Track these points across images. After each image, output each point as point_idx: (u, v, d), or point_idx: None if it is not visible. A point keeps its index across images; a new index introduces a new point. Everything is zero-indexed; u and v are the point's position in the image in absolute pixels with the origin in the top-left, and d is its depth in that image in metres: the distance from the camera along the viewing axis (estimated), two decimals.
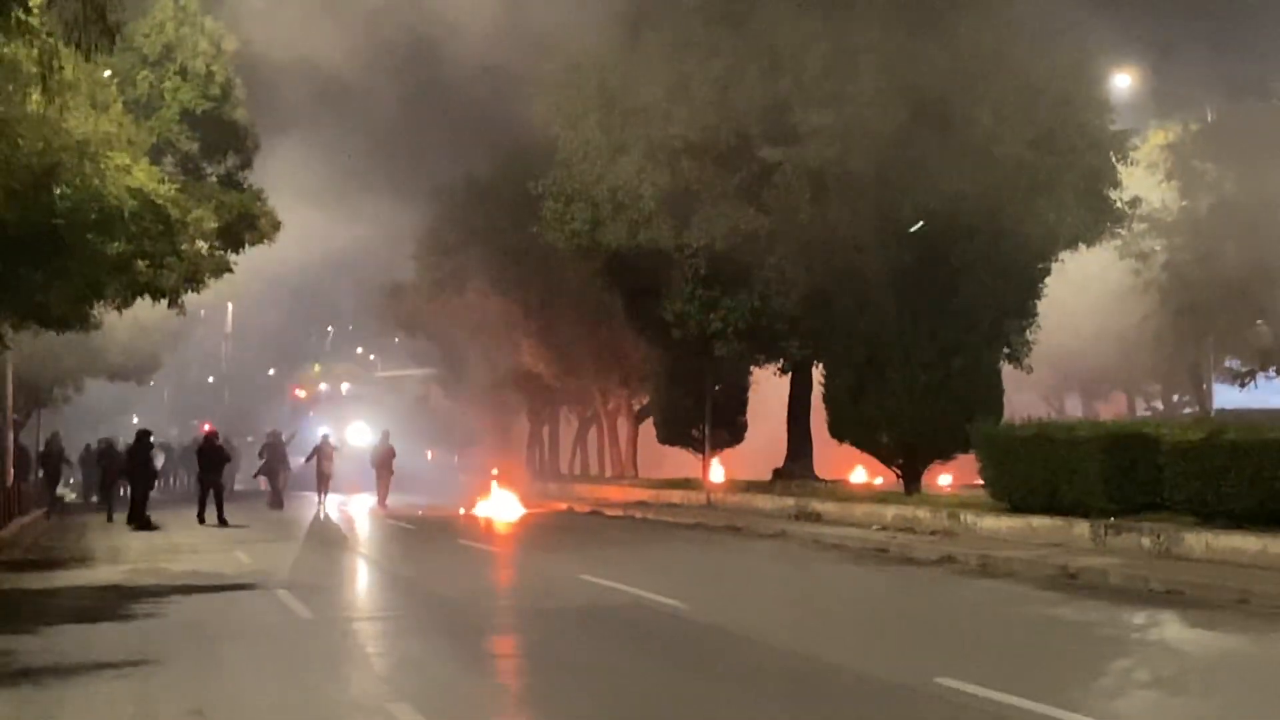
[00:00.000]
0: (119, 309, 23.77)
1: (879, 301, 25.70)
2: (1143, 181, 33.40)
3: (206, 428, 44.46)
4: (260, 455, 40.14)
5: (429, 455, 64.16)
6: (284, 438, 42.12)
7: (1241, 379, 41.32)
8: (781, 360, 31.57)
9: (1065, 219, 25.77)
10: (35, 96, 15.13)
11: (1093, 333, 38.25)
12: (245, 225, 27.33)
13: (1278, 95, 38.02)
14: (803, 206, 26.62)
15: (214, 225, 24.05)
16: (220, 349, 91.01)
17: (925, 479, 27.44)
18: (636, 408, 44.15)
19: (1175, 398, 46.48)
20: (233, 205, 26.71)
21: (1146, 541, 18.05)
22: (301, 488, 40.78)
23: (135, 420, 71.87)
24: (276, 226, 28.22)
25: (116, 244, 18.96)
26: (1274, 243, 33.83)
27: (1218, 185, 36.95)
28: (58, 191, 17.55)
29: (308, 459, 40.20)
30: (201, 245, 24.86)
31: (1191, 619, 13.65)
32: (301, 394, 76.32)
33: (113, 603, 16.53)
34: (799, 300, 27.71)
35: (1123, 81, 35.85)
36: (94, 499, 41.97)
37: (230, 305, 73.98)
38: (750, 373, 35.50)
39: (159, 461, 38.22)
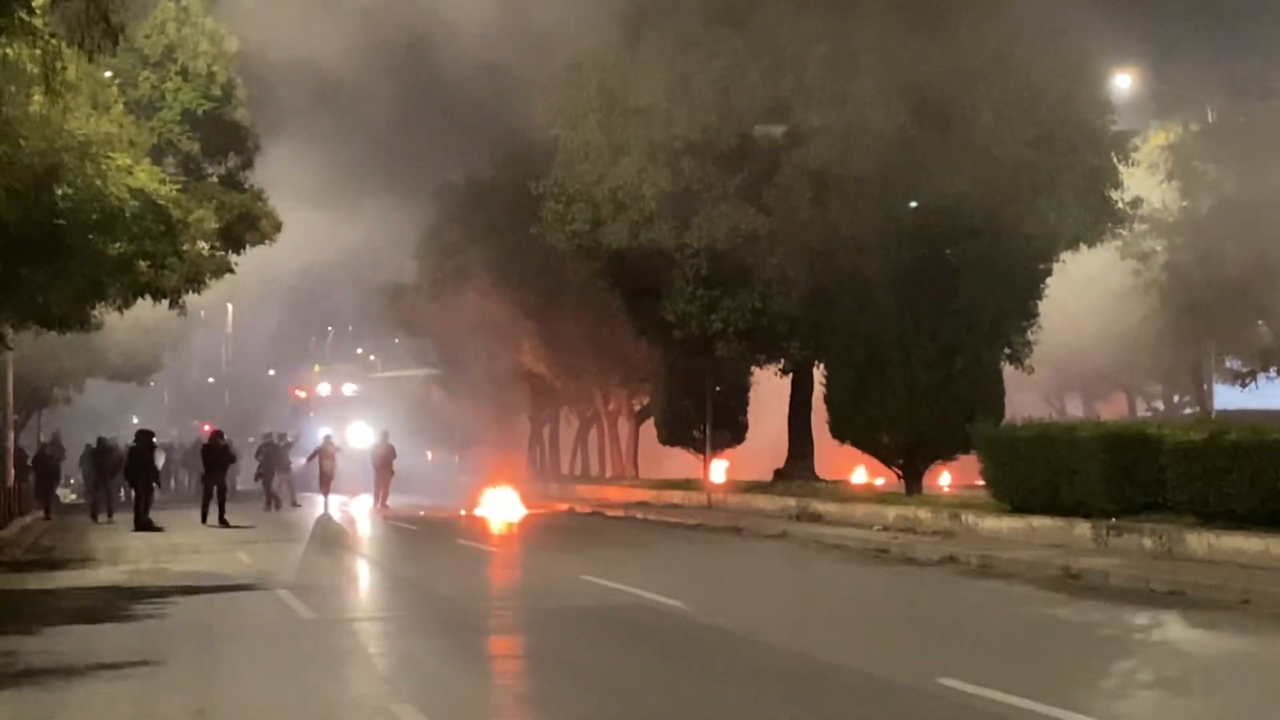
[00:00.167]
0: (120, 309, 23.77)
1: (880, 302, 25.70)
2: (1143, 182, 33.38)
3: (206, 428, 44.48)
4: (256, 456, 40.13)
5: (429, 456, 64.13)
6: (288, 439, 42.17)
7: (1242, 379, 41.31)
8: (782, 360, 31.56)
9: (1066, 219, 25.78)
10: (38, 97, 15.15)
11: (1093, 333, 38.23)
12: (246, 226, 27.36)
13: (1278, 95, 38.00)
14: (803, 207, 26.62)
15: (215, 226, 24.08)
16: (220, 350, 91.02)
17: (925, 479, 27.43)
18: (637, 408, 44.16)
19: (1176, 398, 46.49)
20: (234, 206, 26.74)
21: (1148, 542, 18.04)
22: (302, 488, 40.78)
23: (135, 421, 71.82)
24: (277, 227, 28.25)
25: (118, 244, 18.99)
26: (1275, 243, 33.82)
27: (1218, 185, 36.95)
28: (59, 192, 17.58)
29: (309, 459, 40.25)
30: (202, 246, 24.90)
31: (1193, 620, 13.65)
32: (302, 394, 76.25)
33: (114, 603, 16.53)
34: (800, 300, 27.70)
35: (1123, 81, 35.81)
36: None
37: (230, 306, 73.97)
38: (751, 373, 35.49)
39: (160, 462, 38.08)
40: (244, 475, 45.39)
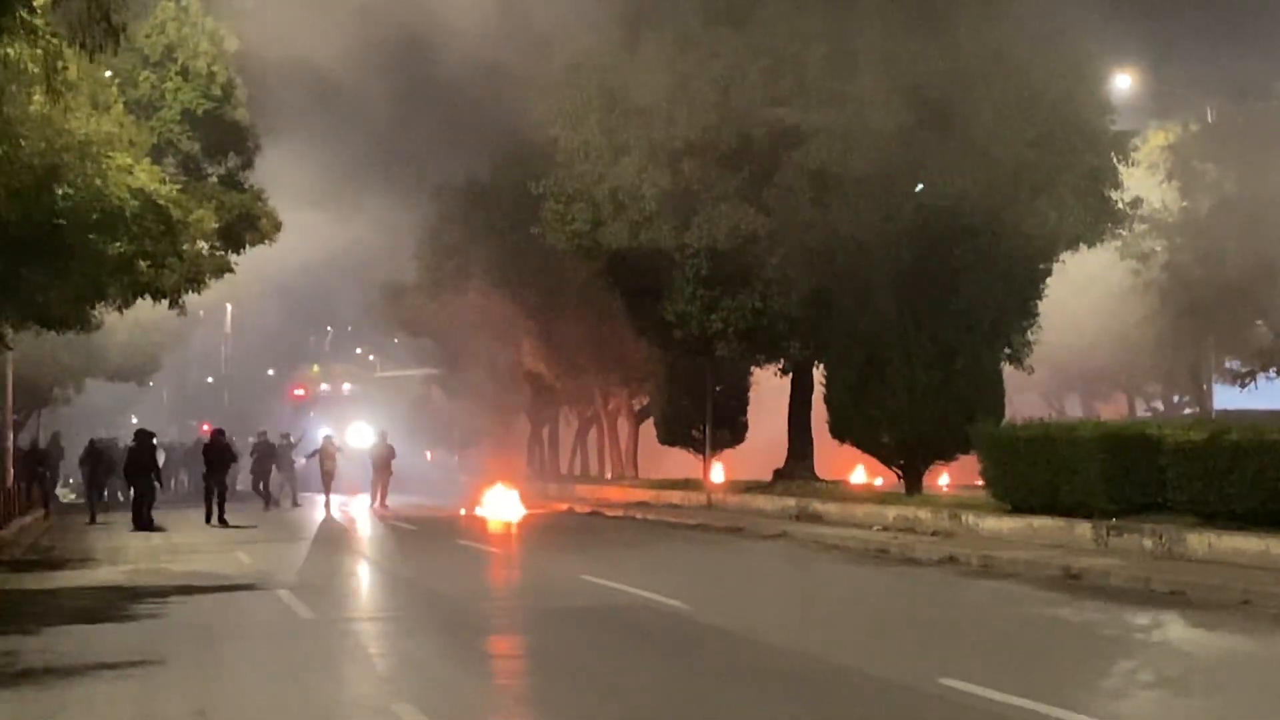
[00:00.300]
0: (120, 309, 23.78)
1: (880, 302, 25.69)
2: (1143, 182, 33.39)
3: (206, 428, 44.41)
4: (251, 455, 40.15)
5: (429, 455, 64.14)
6: (291, 439, 42.23)
7: (1242, 379, 41.31)
8: (782, 361, 31.56)
9: (1066, 219, 25.77)
10: (38, 97, 15.14)
11: (1093, 333, 38.28)
12: (246, 225, 27.37)
13: (1278, 95, 38.01)
14: (803, 207, 26.63)
15: (215, 225, 24.06)
16: (220, 349, 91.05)
17: (924, 479, 27.42)
18: (637, 408, 44.16)
19: (1175, 398, 46.49)
20: (233, 205, 26.75)
21: (1148, 542, 18.04)
22: (303, 488, 40.83)
23: (134, 421, 71.85)
24: (277, 227, 28.26)
25: (118, 244, 18.97)
26: (1274, 243, 33.81)
27: (1218, 186, 36.96)
28: (60, 192, 17.57)
29: (309, 456, 40.34)
30: (202, 246, 24.89)
31: (1194, 620, 13.65)
32: (301, 394, 76.29)
33: (113, 603, 16.52)
34: (800, 301, 27.70)
35: (1123, 82, 35.85)
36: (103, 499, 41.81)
37: (230, 306, 74.03)
38: (751, 373, 35.50)
39: (160, 461, 38.00)
40: (244, 475, 45.39)
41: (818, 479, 31.13)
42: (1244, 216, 34.94)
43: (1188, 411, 42.56)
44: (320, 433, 43.56)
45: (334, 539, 27.52)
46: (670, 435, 36.83)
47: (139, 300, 23.20)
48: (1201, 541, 17.22)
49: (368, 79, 41.57)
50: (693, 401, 34.50)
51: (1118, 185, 26.87)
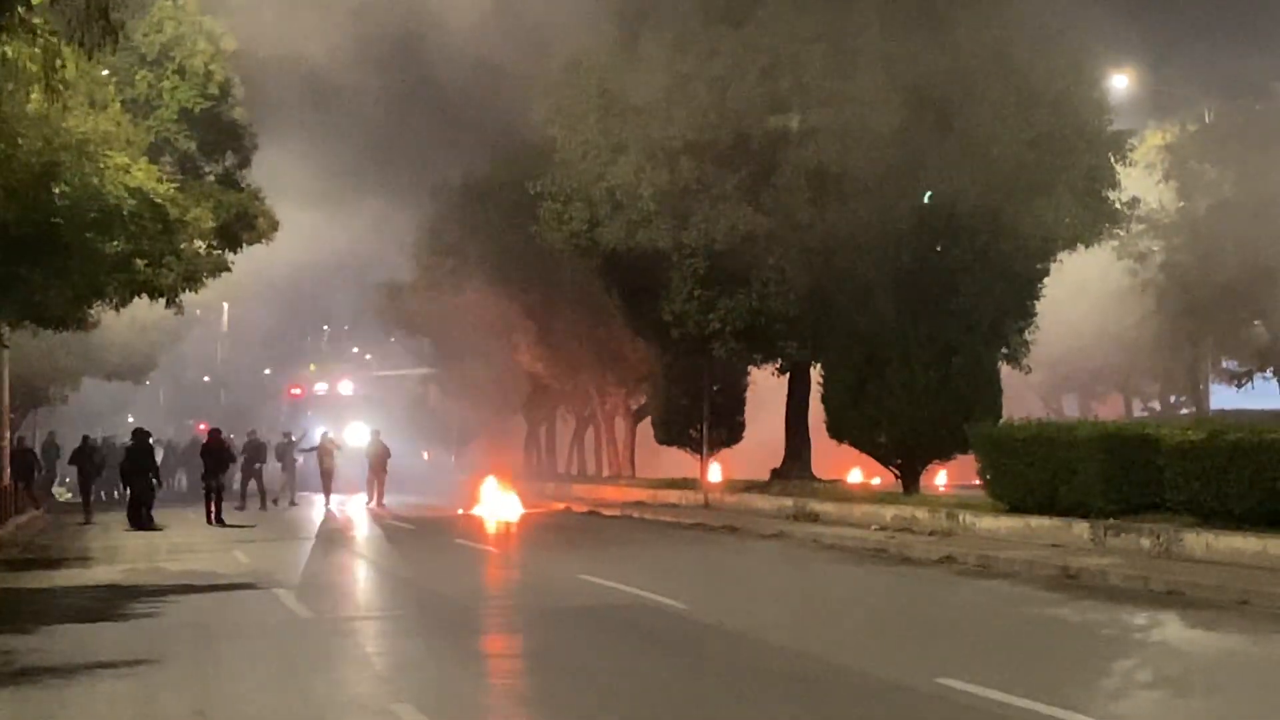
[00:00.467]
0: (117, 308, 23.77)
1: (878, 302, 25.69)
2: (1141, 182, 33.40)
3: (202, 427, 44.31)
4: (241, 454, 40.11)
5: (426, 455, 64.11)
6: (292, 438, 42.27)
7: (1239, 380, 41.40)
8: (780, 360, 31.54)
9: (1064, 219, 25.80)
10: (36, 95, 15.11)
11: (1090, 333, 38.29)
12: (243, 225, 27.32)
13: (1275, 95, 38.06)
14: (801, 206, 26.61)
15: (212, 224, 24.02)
16: (216, 349, 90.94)
17: (921, 479, 27.42)
18: (634, 407, 44.12)
19: (1172, 399, 46.54)
20: (231, 204, 26.69)
21: (1146, 542, 18.04)
22: (301, 487, 40.83)
23: (131, 420, 71.80)
24: (274, 226, 28.22)
25: (115, 243, 18.97)
26: (1272, 244, 33.86)
27: (1216, 186, 37.02)
28: (57, 190, 17.57)
29: (306, 451, 40.38)
30: (199, 244, 24.86)
31: (1192, 619, 13.65)
32: (298, 393, 76.21)
33: (111, 602, 16.52)
34: (797, 300, 27.68)
35: (1120, 82, 35.87)
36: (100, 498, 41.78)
37: (226, 305, 73.91)
38: (748, 373, 35.45)
39: (159, 458, 37.92)
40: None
41: (815, 479, 31.10)
42: (1241, 217, 34.99)
43: (1185, 412, 42.59)
44: (317, 431, 43.55)
45: (332, 538, 27.50)
46: (667, 435, 36.79)
47: (136, 299, 23.20)
48: (1199, 541, 17.21)
49: (365, 78, 41.50)
50: (690, 401, 34.48)
51: (1115, 185, 26.89)
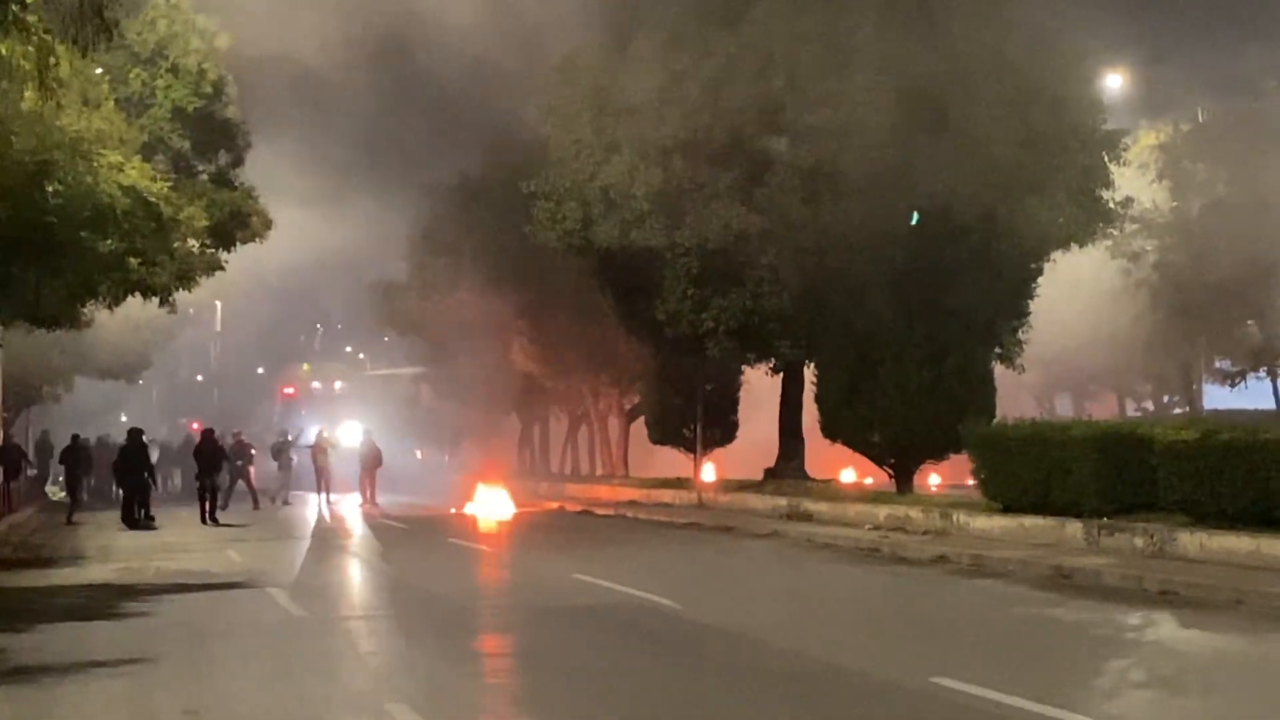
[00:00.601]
0: (110, 307, 23.73)
1: (872, 301, 25.68)
2: (1134, 182, 33.42)
3: (195, 426, 44.26)
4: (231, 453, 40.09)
5: (419, 454, 64.08)
6: (289, 438, 42.26)
7: (1232, 379, 41.46)
8: (773, 360, 31.52)
9: (1058, 219, 25.78)
10: (29, 94, 15.07)
11: (1084, 333, 38.31)
12: (237, 223, 27.28)
13: (1268, 95, 38.12)
14: (795, 206, 26.60)
15: (205, 223, 23.99)
16: (210, 348, 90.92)
17: (915, 479, 27.43)
18: (627, 407, 44.09)
19: (1166, 398, 46.59)
20: (224, 203, 26.66)
21: (1140, 542, 18.05)
22: (296, 486, 40.80)
23: (124, 419, 71.70)
24: (268, 225, 28.19)
25: (109, 242, 18.93)
26: (1265, 243, 33.92)
27: (1209, 186, 37.08)
28: (50, 189, 17.52)
29: (303, 448, 40.39)
30: (193, 243, 24.82)
31: (1186, 619, 13.67)
32: (291, 393, 76.24)
33: (105, 601, 16.51)
34: (791, 300, 27.67)
35: (1114, 81, 35.90)
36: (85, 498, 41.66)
37: (220, 304, 73.85)
38: (742, 372, 35.44)
39: (153, 457, 37.80)
40: None
41: (809, 478, 31.11)
42: (1235, 216, 35.06)
43: (1178, 411, 42.67)
44: (311, 430, 43.56)
45: (325, 537, 27.49)
46: (661, 434, 36.80)
47: (129, 298, 23.16)
48: (1193, 541, 17.23)
49: (359, 77, 41.57)
50: (684, 400, 34.48)
51: (1109, 185, 26.86)
